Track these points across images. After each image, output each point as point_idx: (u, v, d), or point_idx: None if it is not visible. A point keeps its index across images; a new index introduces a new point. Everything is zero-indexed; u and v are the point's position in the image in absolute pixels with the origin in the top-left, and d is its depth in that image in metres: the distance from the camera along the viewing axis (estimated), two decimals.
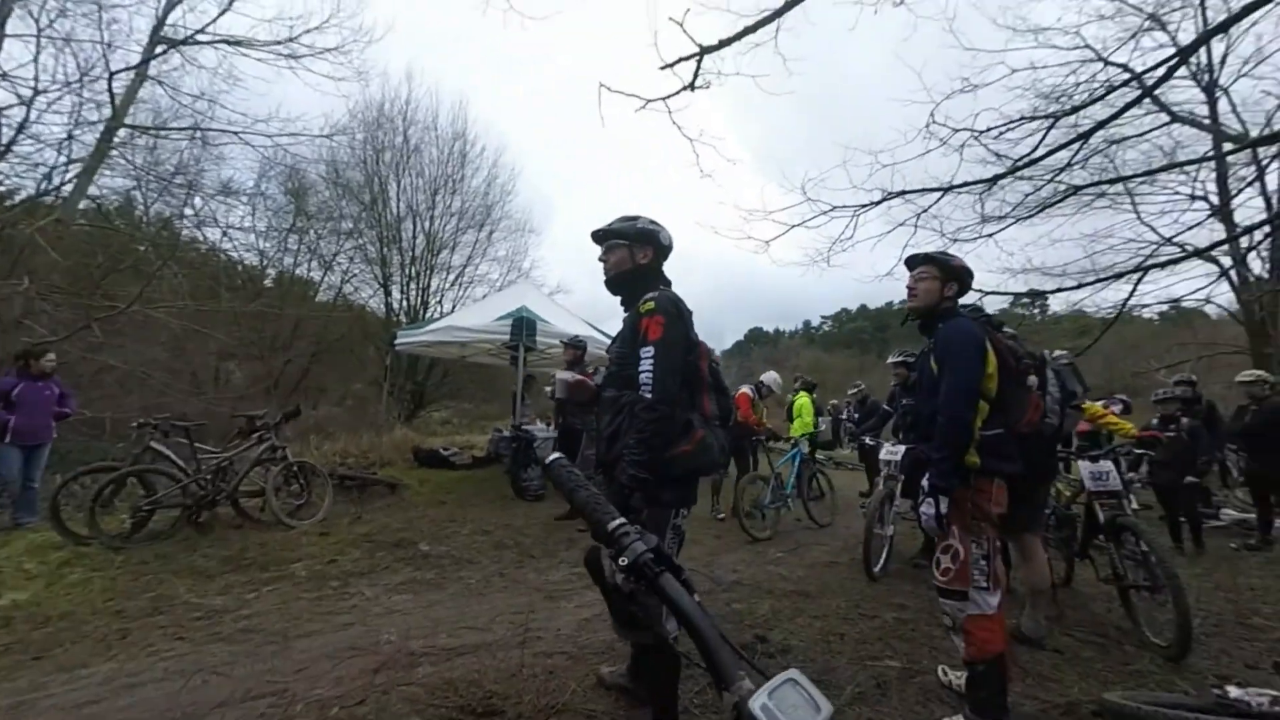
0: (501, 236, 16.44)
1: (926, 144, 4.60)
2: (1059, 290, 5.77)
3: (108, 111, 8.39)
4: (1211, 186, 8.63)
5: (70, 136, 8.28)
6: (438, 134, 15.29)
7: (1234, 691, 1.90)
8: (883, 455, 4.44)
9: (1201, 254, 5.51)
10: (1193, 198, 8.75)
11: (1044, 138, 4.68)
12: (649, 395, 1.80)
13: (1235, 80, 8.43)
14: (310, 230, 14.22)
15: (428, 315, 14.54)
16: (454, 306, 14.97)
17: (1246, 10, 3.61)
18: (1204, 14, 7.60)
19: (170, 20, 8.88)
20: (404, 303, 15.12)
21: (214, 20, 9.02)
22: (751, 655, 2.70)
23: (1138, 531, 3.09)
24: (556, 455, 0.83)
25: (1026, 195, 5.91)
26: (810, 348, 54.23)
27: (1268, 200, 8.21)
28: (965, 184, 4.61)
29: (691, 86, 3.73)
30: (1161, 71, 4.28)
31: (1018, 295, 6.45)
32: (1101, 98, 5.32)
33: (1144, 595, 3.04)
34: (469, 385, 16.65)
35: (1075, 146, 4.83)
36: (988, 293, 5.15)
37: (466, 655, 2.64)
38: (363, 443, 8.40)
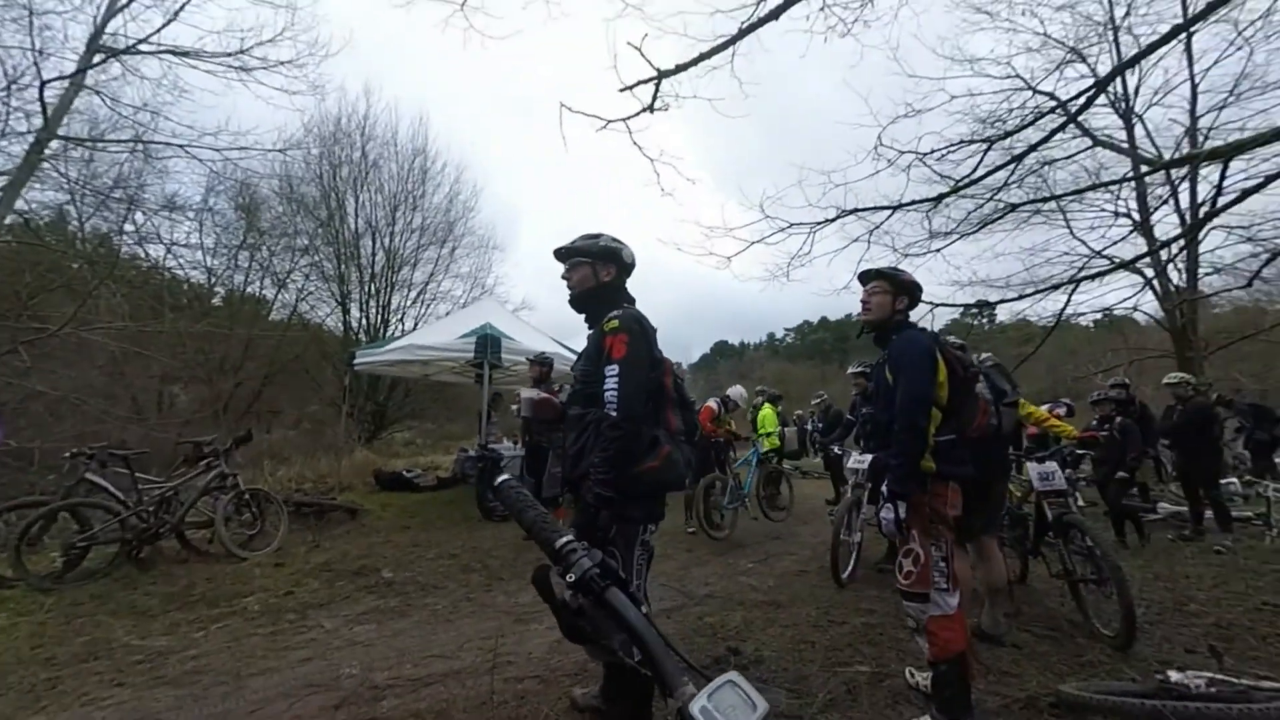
0: (464, 253, 16.22)
1: (876, 165, 4.84)
2: (1003, 301, 6.13)
3: (39, 121, 7.91)
4: (1133, 204, 9.37)
5: None
6: (397, 149, 15.05)
7: (1175, 675, 2.03)
8: (850, 464, 4.57)
9: (1127, 266, 5.95)
10: (1116, 214, 9.48)
11: (982, 159, 5.00)
12: (614, 413, 1.81)
13: (1148, 109, 9.26)
14: (263, 247, 13.66)
15: (388, 334, 14.15)
16: (416, 324, 14.63)
17: (1153, 47, 3.98)
18: (1118, 48, 8.33)
19: (110, 29, 8.47)
20: (363, 321, 14.67)
21: (158, 30, 8.67)
22: (725, 667, 2.71)
23: (1083, 528, 3.27)
24: (504, 477, 0.85)
25: (970, 212, 6.27)
26: (775, 359, 55.33)
27: (1181, 216, 8.96)
28: (913, 202, 4.86)
29: (651, 109, 3.83)
30: (1082, 100, 4.65)
31: (967, 306, 6.80)
32: (1032, 123, 5.74)
33: (1091, 588, 3.21)
34: (432, 405, 16.21)
35: (1011, 167, 5.18)
36: (938, 304, 5.42)
37: (434, 685, 2.56)
38: (320, 467, 8.07)
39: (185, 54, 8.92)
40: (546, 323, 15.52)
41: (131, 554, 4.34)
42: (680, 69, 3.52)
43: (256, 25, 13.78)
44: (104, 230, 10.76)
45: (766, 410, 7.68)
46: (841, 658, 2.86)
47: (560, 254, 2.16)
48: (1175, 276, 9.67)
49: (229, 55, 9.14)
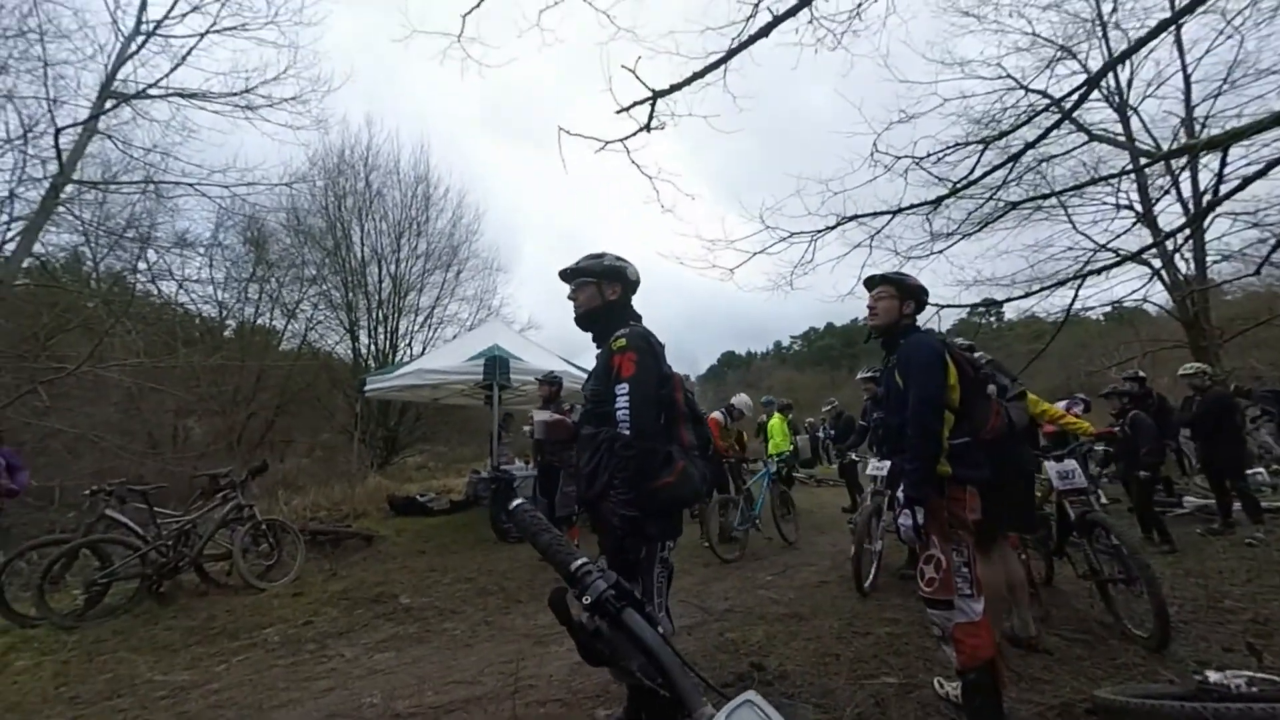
0: (469, 276, 16.41)
1: (873, 171, 4.87)
2: (1010, 299, 6.09)
3: (54, 168, 8.15)
4: (1135, 196, 9.34)
5: (12, 195, 8.00)
6: (400, 178, 15.34)
7: (1214, 676, 1.98)
8: (869, 470, 4.52)
9: (1133, 258, 5.92)
10: (1118, 206, 9.45)
11: (979, 160, 5.01)
12: (627, 432, 1.82)
13: (1143, 101, 9.27)
14: (272, 278, 13.92)
15: (397, 359, 14.28)
16: (424, 348, 14.75)
17: (1143, 41, 4.01)
18: (1108, 44, 8.38)
19: (121, 75, 8.77)
20: (372, 347, 14.82)
21: (167, 75, 8.96)
22: (749, 684, 2.67)
23: (1108, 526, 3.21)
24: (519, 501, 0.87)
25: (970, 213, 6.29)
26: (783, 368, 55.16)
27: (1185, 206, 8.91)
28: (912, 206, 4.88)
29: (647, 128, 3.90)
30: (1076, 97, 4.67)
31: (973, 306, 6.78)
32: (1027, 121, 5.77)
33: (1120, 588, 3.14)
34: (443, 428, 16.27)
35: (1009, 167, 5.19)
36: (944, 305, 5.39)
37: (456, 712, 2.54)
38: (334, 494, 8.08)
39: (193, 96, 9.20)
40: (553, 341, 15.57)
41: (152, 589, 4.36)
42: (674, 88, 3.58)
43: (261, 65, 14.23)
44: (118, 269, 11.02)
45: (775, 420, 7.66)
46: (868, 669, 2.81)
47: (565, 274, 2.18)
48: (1183, 266, 9.59)
49: (235, 95, 9.41)
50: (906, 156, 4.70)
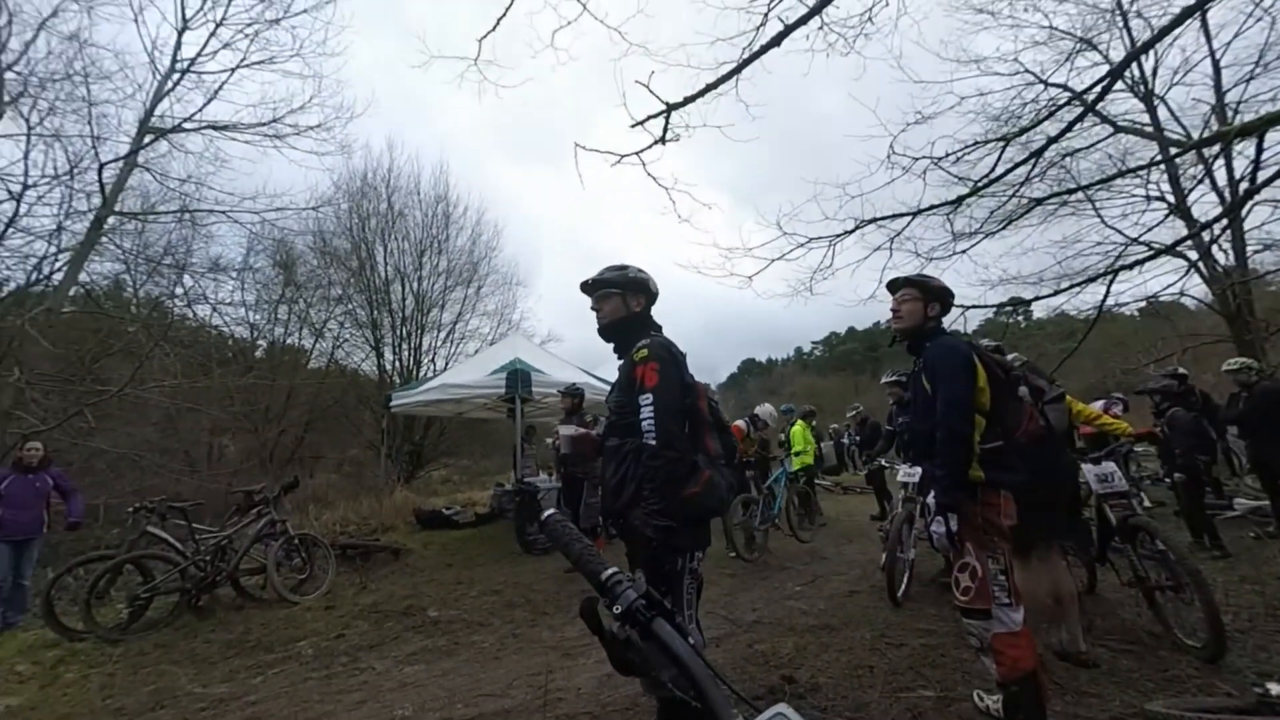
0: (490, 291, 16.67)
1: (890, 173, 4.81)
2: (1038, 298, 5.91)
3: (97, 201, 8.58)
4: (1166, 186, 9.03)
5: (60, 227, 8.45)
6: (420, 198, 15.71)
7: (1275, 688, 1.88)
8: (900, 477, 4.43)
9: (1168, 251, 5.69)
10: (1149, 198, 9.13)
11: (1000, 157, 4.92)
12: (652, 441, 1.82)
13: (1169, 89, 8.98)
14: (300, 299, 14.36)
15: (421, 374, 14.53)
16: (447, 364, 14.99)
17: (1167, 29, 3.90)
18: (1129, 33, 8.18)
19: (158, 111, 9.23)
20: (396, 364, 15.12)
21: (200, 109, 9.40)
22: (779, 697, 2.62)
23: (1152, 530, 3.07)
24: (551, 511, 0.87)
25: (992, 211, 6.16)
26: (804, 374, 54.51)
27: (1220, 195, 8.58)
28: (932, 206, 4.80)
29: (662, 141, 3.92)
30: (1099, 89, 4.56)
31: (999, 306, 6.60)
32: (1048, 116, 5.64)
33: (1169, 595, 3.00)
34: (466, 441, 16.46)
35: (1031, 163, 5.08)
36: (970, 306, 5.28)
37: None
38: (363, 508, 8.23)
39: (225, 127, 9.63)
40: (573, 353, 15.68)
41: (191, 603, 4.49)
42: (688, 101, 3.61)
43: (287, 96, 14.81)
44: (156, 295, 11.50)
45: (798, 428, 7.56)
46: (903, 682, 2.73)
47: (589, 286, 2.18)
48: (1222, 257, 9.21)
49: (264, 125, 9.81)
50: (925, 157, 4.64)
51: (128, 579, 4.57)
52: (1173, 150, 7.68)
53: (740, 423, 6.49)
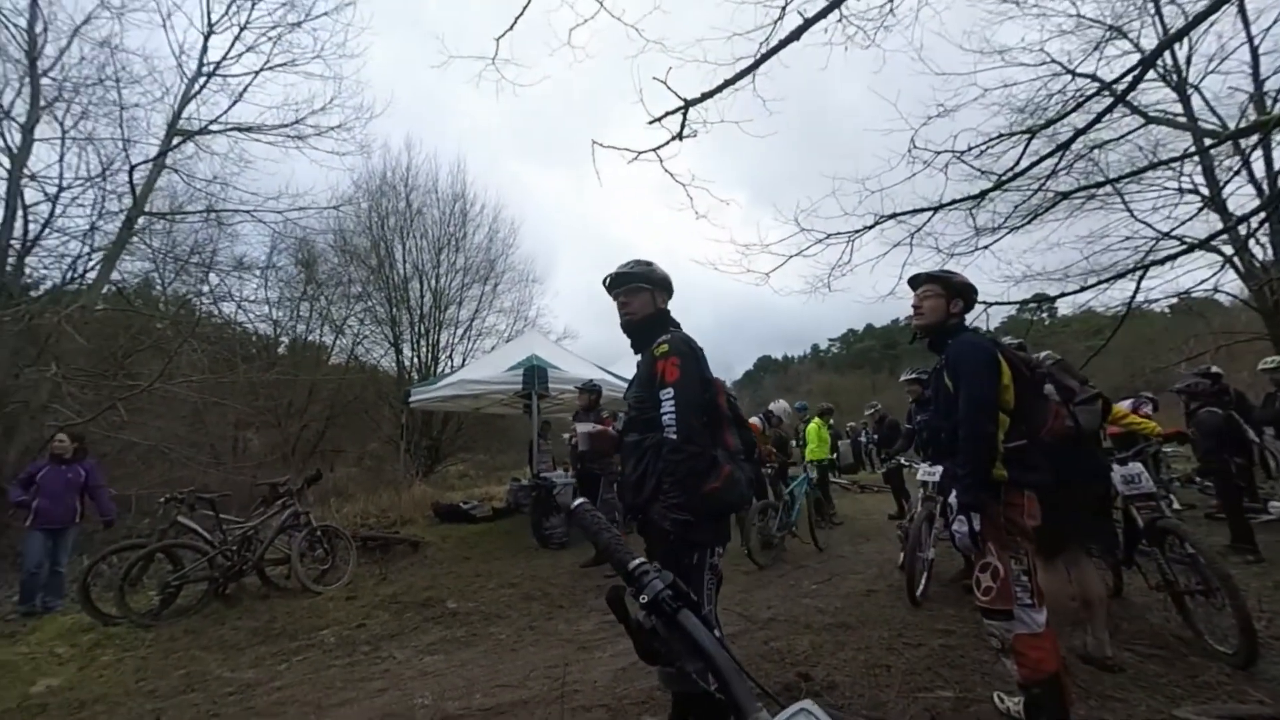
0: (506, 288, 16.81)
1: (911, 168, 4.73)
2: (1064, 294, 5.77)
3: (128, 201, 8.85)
4: (1200, 179, 8.72)
5: (94, 227, 8.73)
6: (438, 196, 15.89)
7: None
8: (919, 476, 4.37)
9: (1202, 245, 5.52)
10: (1181, 191, 8.82)
11: (1025, 150, 4.81)
12: (674, 436, 1.82)
13: (1204, 78, 8.65)
14: (321, 297, 14.64)
15: (439, 370, 14.72)
16: (464, 360, 15.16)
17: (1202, 15, 3.77)
18: (1162, 20, 7.91)
19: (186, 114, 9.46)
20: (415, 360, 15.34)
21: (226, 111, 9.62)
22: (796, 695, 2.61)
23: (1181, 533, 2.99)
24: (581, 500, 0.88)
25: (1017, 206, 6.01)
26: (821, 371, 53.98)
27: (1258, 187, 8.26)
28: (954, 201, 4.71)
29: (680, 137, 3.91)
30: (1130, 79, 4.43)
31: (1023, 303, 6.43)
32: (1076, 108, 5.49)
33: (1199, 600, 2.92)
34: (483, 437, 16.65)
35: (1058, 155, 4.95)
36: (992, 303, 5.18)
37: (504, 715, 2.58)
38: (382, 502, 8.39)
39: (249, 129, 9.83)
40: (589, 350, 15.73)
41: (219, 591, 4.63)
42: (706, 96, 3.59)
43: (309, 97, 15.06)
44: (183, 292, 11.82)
45: (814, 425, 7.51)
46: (921, 682, 2.70)
47: (617, 280, 2.14)
48: (1259, 252, 8.89)
49: (286, 126, 10.01)
50: (947, 151, 4.56)
51: (159, 567, 4.72)
52: (1207, 141, 7.42)
53: (755, 420, 6.46)
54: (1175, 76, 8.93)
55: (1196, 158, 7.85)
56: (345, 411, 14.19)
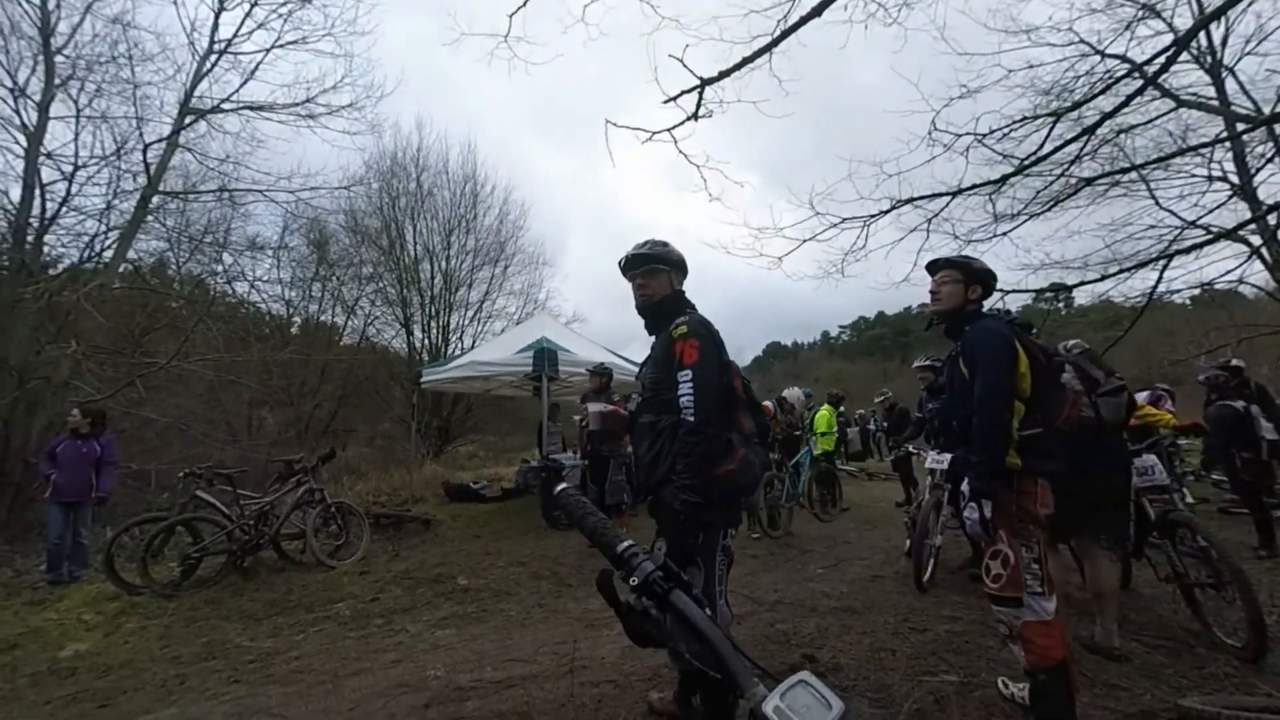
0: (516, 270, 16.77)
1: (931, 151, 4.63)
2: (1083, 283, 5.65)
3: (143, 180, 8.89)
4: (1230, 166, 8.43)
5: (109, 206, 8.81)
6: (449, 177, 15.81)
7: None
8: (928, 464, 4.36)
9: (1229, 235, 5.36)
10: (1210, 179, 8.55)
11: (1049, 134, 4.68)
12: (691, 418, 1.81)
13: (1239, 60, 8.31)
14: (332, 277, 14.71)
15: (449, 352, 14.81)
16: (474, 342, 15.23)
17: None
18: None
19: (197, 92, 9.45)
20: (425, 341, 15.43)
21: (237, 89, 9.59)
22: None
23: (1193, 526, 2.97)
24: (564, 485, 0.87)
25: (1038, 191, 5.87)
26: (831, 358, 53.70)
27: None
28: (974, 186, 4.61)
29: (695, 116, 3.85)
30: (1162, 60, 4.27)
31: (1039, 291, 6.31)
32: (1104, 90, 5.32)
33: (1209, 593, 2.91)
34: (493, 418, 16.78)
35: (1083, 140, 4.82)
36: (1008, 291, 5.09)
37: (514, 688, 2.64)
38: (394, 480, 8.52)
39: (260, 108, 9.81)
40: (598, 333, 15.74)
41: (237, 563, 4.75)
42: (723, 75, 3.52)
43: (319, 75, 14.95)
44: (198, 272, 11.94)
45: (824, 412, 7.48)
46: (926, 666, 2.73)
47: (634, 261, 2.11)
48: None
49: (297, 105, 9.96)
50: (968, 134, 4.45)
51: (179, 539, 4.85)
52: (1240, 126, 7.18)
53: (768, 404, 6.47)
54: (1209, 58, 8.60)
55: (1228, 143, 7.59)
56: (357, 391, 14.36)
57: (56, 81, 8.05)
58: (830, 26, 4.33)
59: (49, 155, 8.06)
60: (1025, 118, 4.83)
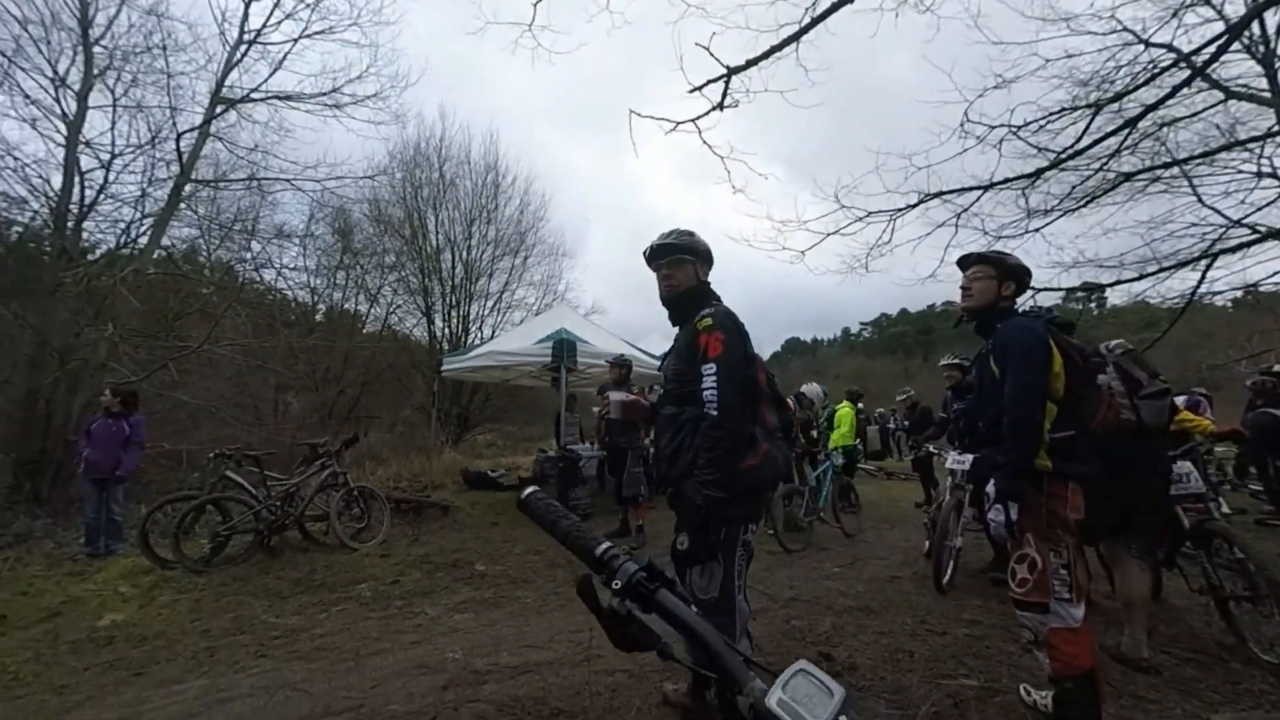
0: (536, 261, 16.85)
1: (963, 143, 4.52)
2: (1119, 282, 5.48)
3: (176, 169, 9.12)
4: None
5: (144, 194, 9.06)
6: (471, 167, 15.90)
7: None
8: (949, 464, 4.28)
9: (1278, 235, 5.15)
10: (1259, 175, 8.16)
11: (1088, 126, 4.52)
12: (714, 413, 1.79)
13: None
14: (356, 266, 14.96)
15: (469, 341, 14.97)
16: (494, 332, 15.37)
17: None
18: None
19: (228, 82, 9.64)
20: (446, 330, 15.61)
21: (266, 79, 9.76)
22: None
23: (1230, 537, 2.87)
24: (531, 489, 0.81)
25: (1074, 186, 5.68)
26: (851, 355, 52.97)
27: None
28: (1006, 180, 4.50)
29: (720, 106, 3.80)
30: (1212, 49, 4.08)
31: (1070, 290, 6.10)
32: (1148, 81, 5.11)
33: (1245, 606, 2.81)
34: (511, 408, 16.95)
35: (1123, 133, 4.64)
36: (1039, 289, 4.97)
37: (530, 673, 2.68)
38: (414, 466, 8.67)
39: (288, 98, 9.97)
40: (616, 325, 15.77)
41: (263, 542, 4.89)
42: (750, 64, 3.46)
43: (345, 65, 15.08)
44: (227, 259, 12.24)
45: (845, 409, 7.38)
46: (944, 669, 2.69)
47: (660, 251, 2.08)
48: None
49: (324, 95, 10.10)
50: (1002, 125, 4.34)
51: (209, 517, 5.01)
52: None
53: (788, 399, 6.40)
54: (1262, 48, 8.17)
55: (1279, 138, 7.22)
56: (379, 378, 14.62)
57: (95, 72, 8.29)
58: (860, 14, 4.22)
59: (88, 144, 8.32)
60: (1063, 109, 4.67)
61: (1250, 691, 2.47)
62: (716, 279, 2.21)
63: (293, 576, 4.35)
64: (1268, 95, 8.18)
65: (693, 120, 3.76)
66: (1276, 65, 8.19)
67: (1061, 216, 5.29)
